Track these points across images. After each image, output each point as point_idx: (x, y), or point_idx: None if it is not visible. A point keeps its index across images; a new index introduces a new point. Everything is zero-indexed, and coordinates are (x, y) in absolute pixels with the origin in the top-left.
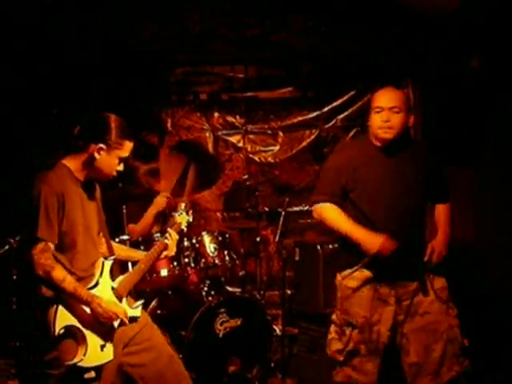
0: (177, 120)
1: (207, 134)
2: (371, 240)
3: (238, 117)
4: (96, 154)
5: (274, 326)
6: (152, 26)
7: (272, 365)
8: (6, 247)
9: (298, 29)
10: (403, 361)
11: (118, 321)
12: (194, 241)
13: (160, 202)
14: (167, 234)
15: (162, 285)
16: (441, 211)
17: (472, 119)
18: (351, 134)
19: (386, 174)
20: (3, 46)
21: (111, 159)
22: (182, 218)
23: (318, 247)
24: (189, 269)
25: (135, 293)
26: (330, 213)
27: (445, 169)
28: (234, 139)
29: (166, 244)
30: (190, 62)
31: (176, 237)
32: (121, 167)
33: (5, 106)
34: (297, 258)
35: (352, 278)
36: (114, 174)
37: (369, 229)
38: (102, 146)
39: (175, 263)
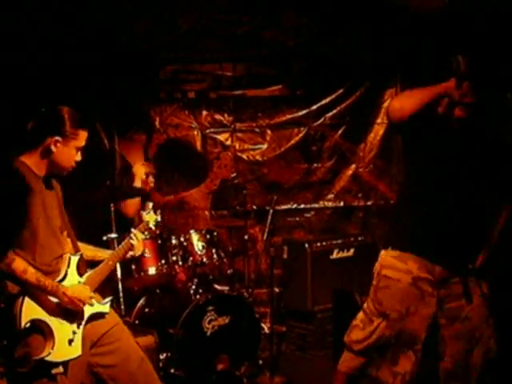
0: (165, 118)
1: (195, 132)
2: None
3: (226, 115)
4: (53, 147)
5: (263, 324)
6: (142, 23)
7: (260, 362)
8: None
9: (288, 26)
10: (439, 365)
11: (87, 306)
12: (181, 239)
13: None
14: (132, 235)
15: (150, 283)
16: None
17: None
18: (340, 131)
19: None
20: None
21: (68, 150)
22: (150, 217)
23: (306, 245)
24: (177, 267)
25: (124, 291)
26: (409, 92)
27: None
28: (222, 137)
29: (132, 244)
30: (179, 60)
31: (142, 236)
32: (78, 157)
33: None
34: (285, 256)
35: (394, 268)
36: (73, 164)
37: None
38: (57, 138)
39: (163, 261)
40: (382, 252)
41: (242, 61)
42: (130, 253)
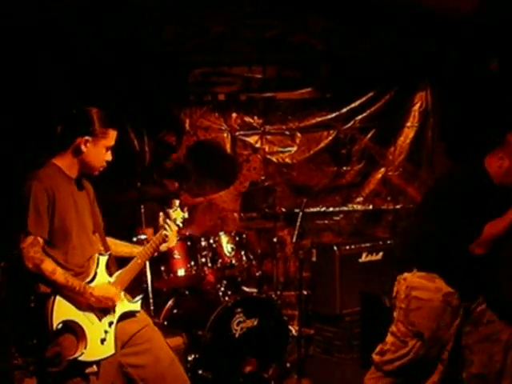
0: (195, 120)
1: (225, 135)
2: None
3: (255, 117)
4: (83, 147)
5: (290, 327)
6: (172, 26)
7: (288, 365)
8: None
9: (317, 30)
10: (467, 372)
11: (118, 304)
12: (211, 241)
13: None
14: (166, 225)
15: (179, 284)
16: None
17: (490, 121)
18: (369, 135)
19: None
20: (24, 45)
21: (98, 150)
22: (177, 214)
23: (335, 248)
24: (206, 269)
25: (153, 292)
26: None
27: None
28: (251, 140)
29: (166, 235)
30: (209, 63)
31: (175, 228)
32: (109, 156)
33: (25, 105)
34: (314, 259)
35: (424, 288)
36: (104, 164)
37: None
38: (87, 137)
39: (192, 263)
40: (407, 275)
41: (272, 64)
42: (165, 245)
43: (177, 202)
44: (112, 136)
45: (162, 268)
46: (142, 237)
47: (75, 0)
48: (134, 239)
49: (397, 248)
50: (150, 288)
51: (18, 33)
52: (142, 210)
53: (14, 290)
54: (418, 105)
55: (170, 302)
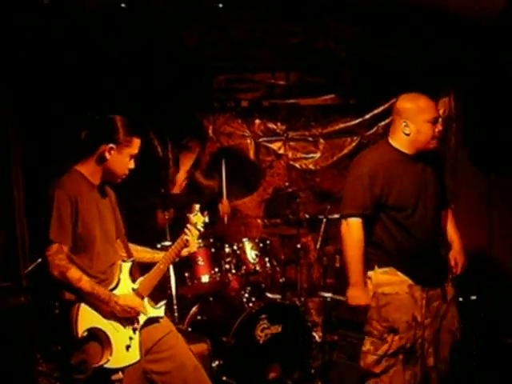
0: (218, 126)
1: (248, 141)
2: (356, 294)
3: (279, 124)
4: (107, 155)
5: (314, 333)
6: (196, 33)
7: (312, 371)
8: None
9: (341, 36)
10: (424, 364)
11: (141, 314)
12: (235, 247)
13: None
14: (186, 230)
15: (203, 291)
16: (448, 217)
17: None
18: None
19: (416, 182)
20: (49, 53)
21: (122, 158)
22: (198, 219)
23: None
24: (230, 275)
25: (177, 298)
26: (355, 234)
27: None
28: (275, 146)
29: (187, 240)
30: (233, 69)
31: (196, 232)
32: (132, 164)
33: (47, 113)
34: (337, 265)
35: (389, 283)
36: (127, 172)
37: (404, 238)
38: (112, 145)
39: (216, 269)
40: (370, 273)
41: (295, 70)
42: (186, 249)
43: (197, 207)
44: (136, 144)
45: (187, 274)
46: (166, 243)
47: (100, 7)
48: (159, 246)
49: None
50: (174, 294)
51: (44, 40)
52: (166, 217)
53: (38, 297)
54: (441, 110)
55: (194, 309)
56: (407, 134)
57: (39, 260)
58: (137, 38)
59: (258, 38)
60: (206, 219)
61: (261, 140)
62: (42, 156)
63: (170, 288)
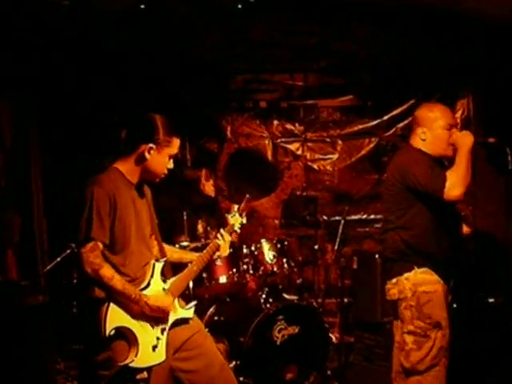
0: (236, 127)
1: (266, 142)
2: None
3: (297, 125)
4: (147, 154)
5: (331, 335)
6: (215, 34)
7: (329, 373)
8: (68, 251)
9: (359, 37)
10: None
11: (170, 313)
12: (252, 248)
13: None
14: (219, 235)
15: (221, 291)
16: None
17: None
18: None
19: None
20: (68, 53)
21: (162, 157)
22: (235, 220)
23: (377, 256)
24: (247, 276)
25: (194, 298)
26: (451, 176)
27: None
28: (293, 147)
29: (219, 245)
30: (251, 70)
31: (228, 238)
32: (171, 165)
33: (70, 113)
34: (355, 267)
35: (429, 282)
36: (165, 172)
37: (440, 238)
38: (152, 145)
39: (234, 270)
40: (409, 274)
41: (313, 71)
42: (217, 253)
43: (235, 207)
44: (175, 144)
45: (204, 275)
46: (184, 244)
47: (119, 9)
48: (176, 246)
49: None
50: (191, 295)
51: (62, 41)
52: (184, 217)
53: (57, 296)
54: (459, 112)
55: (211, 309)
56: (424, 140)
57: (58, 259)
58: (156, 39)
59: (276, 38)
60: (244, 220)
61: (279, 141)
62: (61, 156)
63: (188, 288)
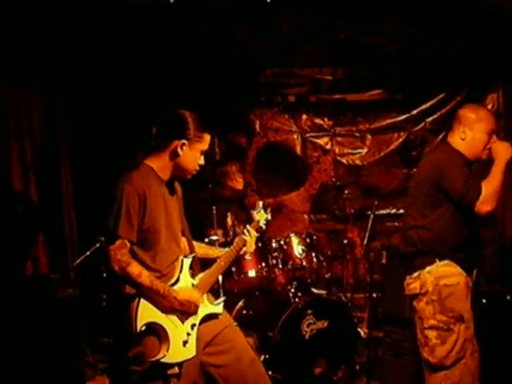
0: (265, 121)
1: (295, 136)
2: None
3: (326, 119)
4: (179, 150)
5: (359, 329)
6: (243, 28)
7: (357, 367)
8: (97, 245)
9: (388, 31)
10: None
11: (201, 307)
12: (281, 242)
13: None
14: (245, 231)
15: (250, 285)
16: None
17: None
18: (440, 137)
19: None
20: (95, 49)
21: (194, 153)
22: (261, 216)
23: None
24: (276, 270)
25: (224, 292)
26: (486, 189)
27: None
28: (321, 141)
29: (245, 240)
30: (280, 64)
31: (255, 234)
32: (202, 161)
33: (97, 109)
34: (384, 262)
35: (451, 275)
36: (197, 168)
37: (464, 230)
38: (184, 141)
39: (263, 264)
40: (431, 267)
41: (342, 65)
42: (243, 249)
43: (260, 204)
44: (207, 140)
45: (233, 269)
46: (214, 238)
47: (149, 5)
48: (206, 240)
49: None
50: (220, 289)
51: (96, 38)
52: (214, 211)
53: (86, 289)
54: (489, 106)
55: (240, 303)
56: (463, 139)
57: (87, 253)
58: (186, 34)
59: (305, 33)
60: (269, 216)
61: (308, 135)
62: (90, 152)
63: (217, 282)
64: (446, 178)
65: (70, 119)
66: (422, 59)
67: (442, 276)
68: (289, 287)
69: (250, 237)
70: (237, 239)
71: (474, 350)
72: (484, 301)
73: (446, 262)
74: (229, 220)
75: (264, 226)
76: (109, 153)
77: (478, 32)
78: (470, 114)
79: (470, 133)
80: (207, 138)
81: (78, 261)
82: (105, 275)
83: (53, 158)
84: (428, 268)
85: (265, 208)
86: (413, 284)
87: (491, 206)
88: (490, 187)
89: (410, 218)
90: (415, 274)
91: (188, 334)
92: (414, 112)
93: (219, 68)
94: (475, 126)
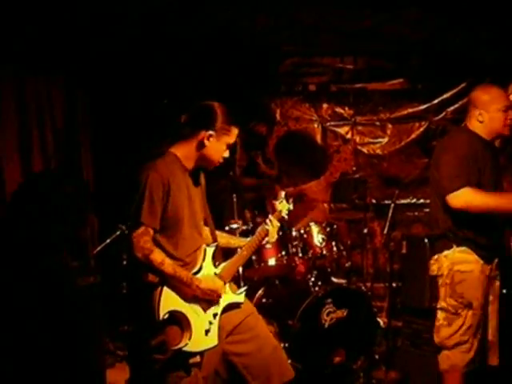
0: (285, 110)
1: (316, 125)
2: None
3: (346, 108)
4: (206, 141)
5: (379, 319)
6: (264, 17)
7: (376, 357)
8: (118, 233)
9: (410, 21)
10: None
11: (223, 296)
12: (301, 231)
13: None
14: (268, 221)
15: (270, 274)
16: None
17: None
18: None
19: (493, 166)
20: (119, 39)
21: (220, 145)
22: (283, 206)
23: (426, 240)
24: (296, 259)
25: (244, 281)
26: (475, 193)
27: None
28: (342, 130)
29: (267, 230)
30: (301, 53)
31: (277, 224)
32: (227, 153)
33: (120, 98)
34: (404, 251)
35: (466, 261)
36: (221, 160)
37: (484, 219)
38: (211, 132)
39: (283, 253)
40: (447, 252)
41: (364, 54)
42: (266, 239)
43: (282, 194)
44: (234, 133)
45: (254, 257)
46: (234, 226)
47: None
48: (226, 228)
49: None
50: (241, 277)
51: (122, 27)
52: (234, 200)
53: (106, 277)
54: (511, 96)
55: (260, 291)
56: (481, 122)
57: (108, 241)
58: (208, 23)
59: (326, 22)
60: (291, 206)
61: (328, 124)
62: (112, 140)
63: (237, 270)
64: (439, 161)
65: (91, 108)
66: (445, 49)
67: (457, 262)
68: (309, 276)
69: (272, 227)
70: (259, 229)
71: (476, 337)
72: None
73: (463, 248)
74: (247, 211)
75: (286, 216)
76: (129, 142)
77: (501, 21)
78: (483, 96)
79: (487, 114)
80: (234, 131)
81: (98, 249)
82: (125, 263)
83: (74, 146)
84: (445, 252)
85: (287, 198)
86: (433, 266)
87: (460, 205)
88: (486, 200)
89: (433, 203)
90: (435, 257)
91: (210, 323)
92: (435, 101)
93: (241, 57)
94: (490, 106)
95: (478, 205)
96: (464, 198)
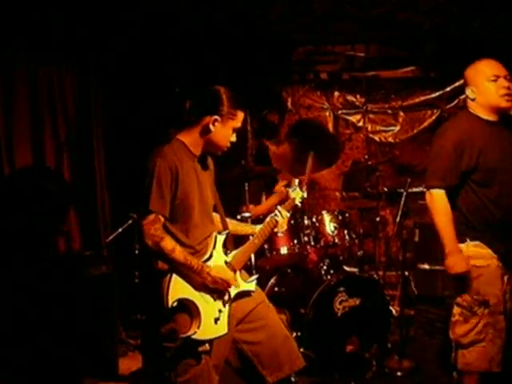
0: (297, 99)
1: (327, 113)
2: (454, 262)
3: (358, 96)
4: (211, 126)
5: (391, 307)
6: (278, 6)
7: (389, 346)
8: (130, 222)
9: (424, 8)
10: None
11: (232, 287)
12: (314, 219)
13: (281, 191)
14: (277, 212)
15: (282, 262)
16: None
17: None
18: None
19: (504, 151)
20: (132, 27)
21: (226, 130)
22: (296, 194)
23: None
24: (308, 247)
25: (256, 269)
26: (440, 204)
27: None
28: (354, 118)
29: (276, 221)
30: (313, 41)
31: (286, 214)
32: (234, 138)
33: (133, 85)
34: (416, 240)
35: (481, 256)
36: (228, 145)
37: (490, 212)
38: (216, 117)
39: (295, 241)
40: (461, 246)
41: (377, 42)
42: (275, 229)
43: (296, 182)
44: (240, 117)
45: (266, 246)
46: (246, 214)
47: None
48: (238, 217)
49: None
50: (253, 266)
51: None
52: (246, 188)
53: (119, 266)
54: None
55: (272, 280)
56: (473, 99)
57: (120, 229)
58: (221, 11)
59: (339, 10)
60: (305, 194)
61: (340, 112)
62: (124, 128)
63: (250, 259)
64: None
65: (103, 96)
66: (459, 36)
67: (472, 256)
68: (321, 264)
69: (281, 217)
70: (268, 219)
71: (496, 336)
72: None
73: (476, 242)
74: (264, 198)
75: (300, 204)
76: (142, 129)
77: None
78: (469, 72)
79: (476, 89)
80: (240, 115)
81: (110, 238)
82: (137, 252)
83: (86, 134)
84: (460, 245)
85: (300, 186)
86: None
87: (427, 203)
88: (439, 220)
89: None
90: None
91: (220, 311)
92: (448, 89)
93: (254, 45)
94: (477, 80)
95: (433, 213)
96: (428, 198)
